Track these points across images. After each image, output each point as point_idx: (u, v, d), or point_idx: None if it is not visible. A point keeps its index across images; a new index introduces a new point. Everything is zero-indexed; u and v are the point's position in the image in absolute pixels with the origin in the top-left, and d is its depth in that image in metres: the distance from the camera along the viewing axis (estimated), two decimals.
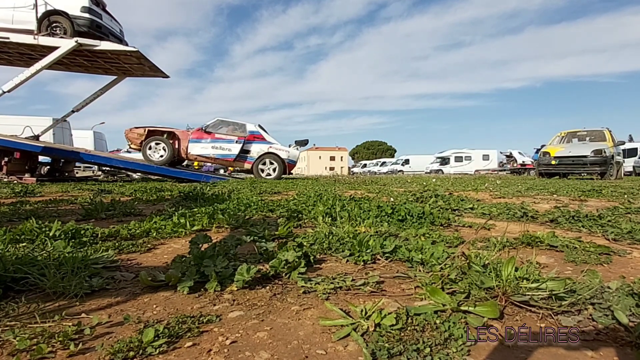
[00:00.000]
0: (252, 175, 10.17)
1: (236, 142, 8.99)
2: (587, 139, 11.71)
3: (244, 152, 9.14)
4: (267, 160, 9.26)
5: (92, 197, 3.64)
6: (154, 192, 4.45)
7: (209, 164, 13.90)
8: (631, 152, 17.43)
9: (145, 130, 8.68)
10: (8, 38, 7.92)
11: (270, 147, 9.28)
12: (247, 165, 9.36)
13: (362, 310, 0.90)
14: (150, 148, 8.68)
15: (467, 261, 1.12)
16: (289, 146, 9.53)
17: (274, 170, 9.26)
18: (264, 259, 1.41)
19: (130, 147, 9.33)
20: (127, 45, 8.99)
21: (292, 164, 9.48)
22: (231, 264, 1.23)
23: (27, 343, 0.75)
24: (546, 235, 1.72)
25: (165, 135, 8.83)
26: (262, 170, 9.25)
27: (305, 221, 2.42)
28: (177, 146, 8.88)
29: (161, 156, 8.69)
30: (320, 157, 66.79)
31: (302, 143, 9.78)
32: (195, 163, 12.09)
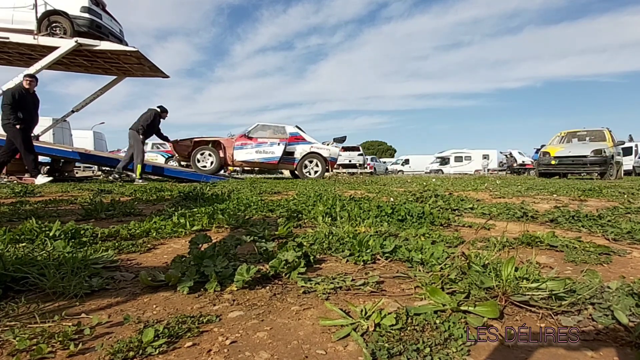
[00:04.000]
0: (252, 176, 10.24)
1: (278, 144, 9.28)
2: (587, 139, 11.72)
3: (288, 154, 9.44)
4: (310, 160, 9.59)
5: (92, 197, 3.64)
6: (154, 192, 4.45)
7: None
8: (626, 152, 17.26)
9: (192, 142, 9.02)
10: (8, 38, 7.92)
11: (312, 147, 9.59)
12: (291, 167, 9.66)
13: (362, 310, 0.90)
14: (198, 159, 9.04)
15: (467, 261, 1.12)
16: (327, 144, 9.83)
17: (317, 169, 9.59)
18: (263, 259, 1.41)
19: (176, 159, 9.74)
20: (127, 45, 8.99)
21: (334, 161, 9.86)
22: (231, 264, 1.23)
23: (27, 343, 0.75)
24: (546, 235, 1.72)
25: (210, 145, 9.15)
26: (306, 170, 9.57)
27: (305, 221, 2.42)
28: (223, 154, 9.19)
29: (210, 164, 9.05)
30: None
31: (340, 140, 10.08)
32: None
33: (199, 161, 9.00)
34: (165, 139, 8.38)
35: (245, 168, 12.09)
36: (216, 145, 9.17)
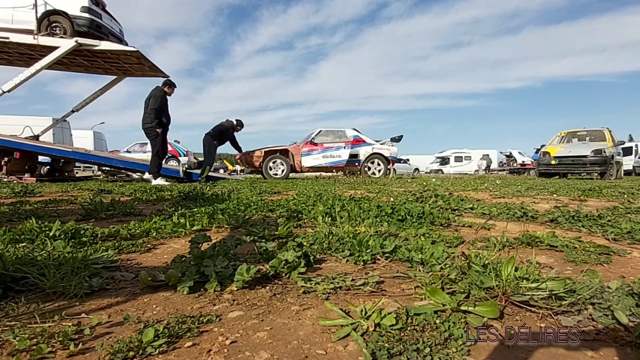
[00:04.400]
0: (252, 176, 10.36)
1: (344, 148, 9.92)
2: (587, 138, 11.73)
3: (352, 156, 10.01)
4: (374, 161, 10.11)
5: (92, 197, 3.64)
6: (154, 192, 4.45)
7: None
8: (626, 152, 17.14)
9: (262, 152, 9.56)
10: (8, 38, 7.91)
11: (374, 147, 10.13)
12: (356, 169, 10.11)
13: (362, 310, 0.90)
14: (270, 167, 9.59)
15: (467, 261, 1.12)
16: (383, 143, 10.31)
17: (380, 169, 10.10)
18: (263, 259, 1.41)
19: (247, 168, 10.31)
20: (127, 45, 8.98)
21: (394, 160, 10.37)
22: (231, 264, 1.23)
23: (27, 343, 0.75)
24: (546, 235, 1.72)
25: (278, 153, 9.67)
26: (369, 170, 10.06)
27: (305, 221, 2.42)
28: (291, 161, 9.70)
29: (281, 172, 9.61)
30: None
31: (397, 139, 10.49)
32: None
33: (271, 169, 9.61)
34: (239, 149, 9.04)
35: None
36: (284, 153, 9.73)
